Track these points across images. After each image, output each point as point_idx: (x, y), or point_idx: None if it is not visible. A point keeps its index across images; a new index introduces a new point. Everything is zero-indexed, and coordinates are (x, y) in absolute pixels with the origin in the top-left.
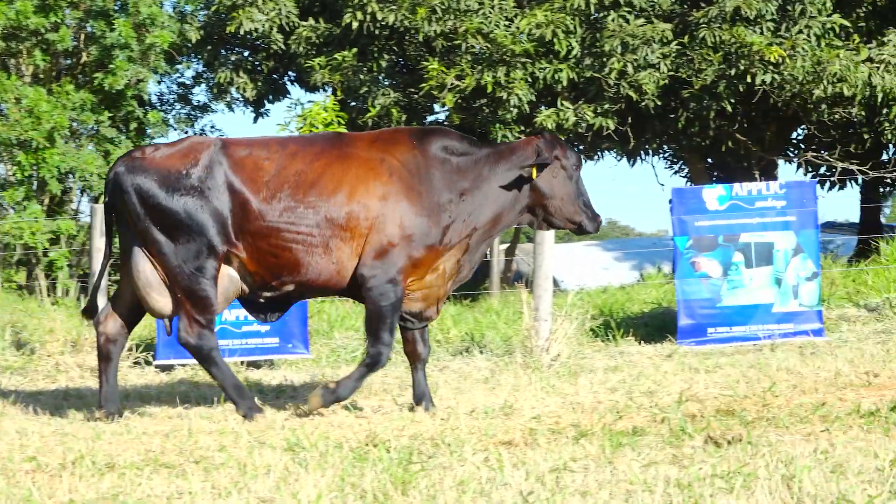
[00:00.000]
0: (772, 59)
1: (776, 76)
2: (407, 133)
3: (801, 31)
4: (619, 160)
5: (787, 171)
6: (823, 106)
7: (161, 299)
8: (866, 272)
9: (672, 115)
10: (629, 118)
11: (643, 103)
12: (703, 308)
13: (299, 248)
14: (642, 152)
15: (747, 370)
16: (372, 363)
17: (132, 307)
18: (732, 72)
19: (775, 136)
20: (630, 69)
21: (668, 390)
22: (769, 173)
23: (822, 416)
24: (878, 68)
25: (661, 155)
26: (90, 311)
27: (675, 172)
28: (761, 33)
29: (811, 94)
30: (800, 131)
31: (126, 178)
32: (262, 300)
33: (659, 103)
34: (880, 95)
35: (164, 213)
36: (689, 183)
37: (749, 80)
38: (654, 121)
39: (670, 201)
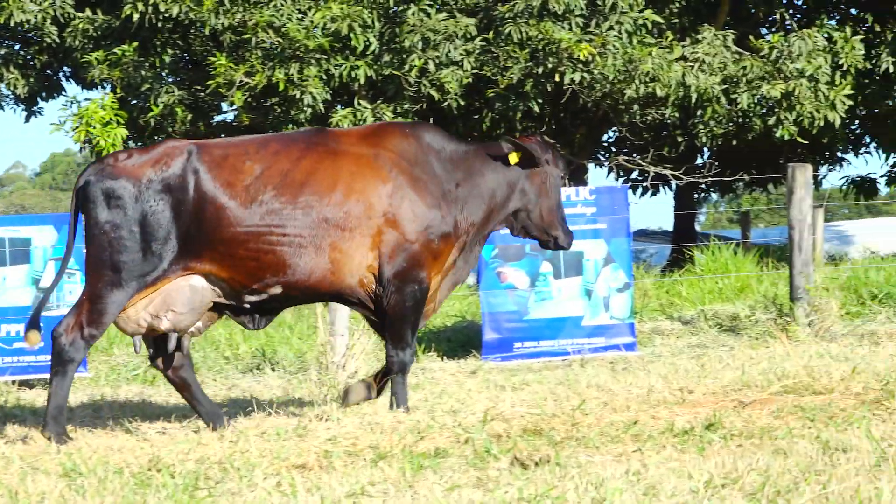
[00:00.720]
0: (581, 57)
1: (586, 75)
2: (397, 125)
3: (611, 28)
4: None
5: (598, 176)
6: (635, 107)
7: (129, 323)
8: (680, 283)
9: (476, 116)
10: (431, 118)
11: (446, 103)
12: (510, 321)
13: (285, 250)
14: None
15: (556, 387)
16: (400, 369)
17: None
18: (540, 70)
19: (585, 138)
20: (432, 66)
21: (472, 409)
22: (579, 178)
23: (634, 435)
24: (693, 67)
25: None
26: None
27: None
28: (570, 29)
29: (622, 95)
30: (611, 133)
31: (94, 186)
32: (245, 305)
33: (462, 103)
34: (694, 96)
35: (125, 224)
36: None
37: (557, 78)
38: (457, 121)
39: None
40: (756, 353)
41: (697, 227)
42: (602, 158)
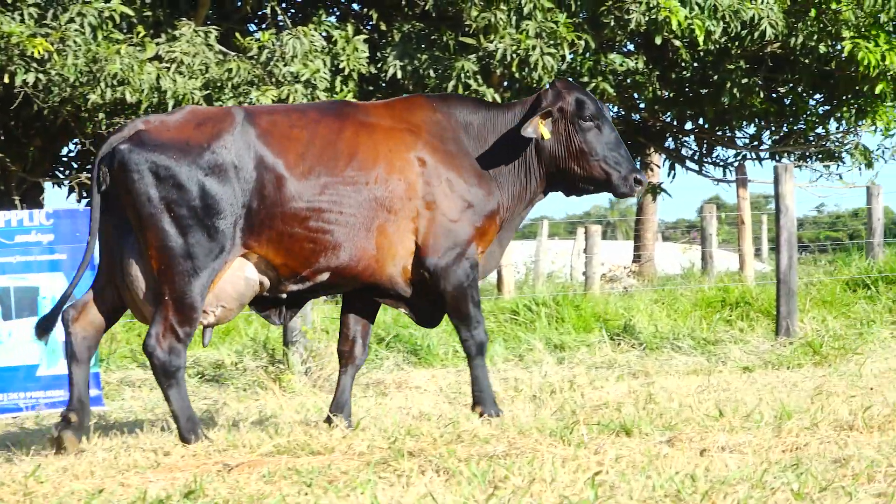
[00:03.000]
0: (35, 55)
1: (41, 76)
2: (425, 98)
3: (72, 21)
4: None
5: (57, 197)
6: (101, 114)
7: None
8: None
9: None
10: None
11: None
12: None
13: (340, 231)
14: None
15: (3, 450)
16: (479, 349)
17: (114, 307)
18: None
19: (41, 151)
20: None
21: None
22: (33, 199)
23: None
24: (169, 69)
25: None
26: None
27: None
28: (22, 22)
29: (86, 100)
30: (72, 146)
31: (134, 155)
32: (283, 296)
33: None
34: (171, 102)
35: (181, 198)
36: None
37: (7, 79)
38: None
39: None
40: (244, 408)
41: None
42: (61, 176)
